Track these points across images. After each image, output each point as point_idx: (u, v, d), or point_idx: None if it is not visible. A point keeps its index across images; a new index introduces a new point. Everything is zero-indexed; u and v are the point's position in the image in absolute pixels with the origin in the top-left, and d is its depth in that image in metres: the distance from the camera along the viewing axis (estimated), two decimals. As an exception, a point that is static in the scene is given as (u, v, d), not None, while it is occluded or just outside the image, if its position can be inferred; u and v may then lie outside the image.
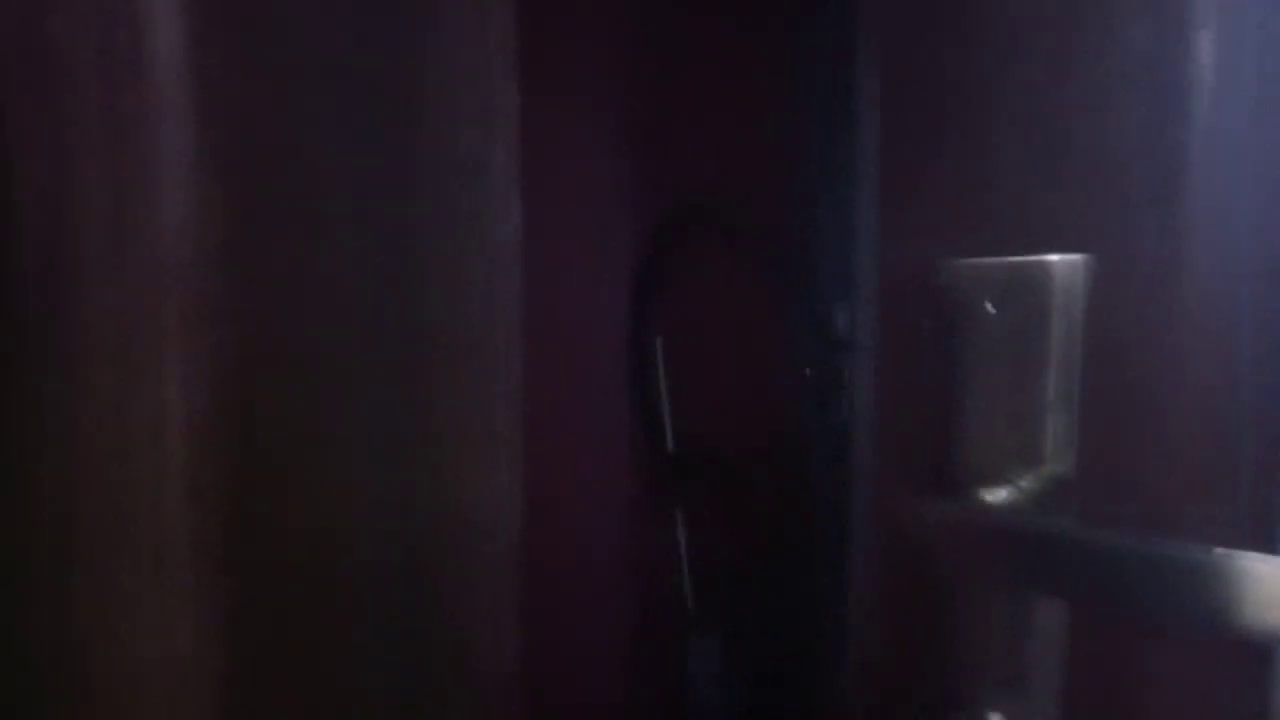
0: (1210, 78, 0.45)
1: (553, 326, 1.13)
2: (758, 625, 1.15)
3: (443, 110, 0.52)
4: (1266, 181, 0.47)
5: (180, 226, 0.44)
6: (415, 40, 0.52)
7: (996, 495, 0.45)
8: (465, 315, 0.53)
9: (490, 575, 0.52)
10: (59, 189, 0.43)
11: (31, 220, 0.43)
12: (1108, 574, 0.43)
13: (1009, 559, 0.45)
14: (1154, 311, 0.45)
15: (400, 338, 0.53)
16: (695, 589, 1.16)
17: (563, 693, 1.19)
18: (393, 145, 0.51)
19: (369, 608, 0.51)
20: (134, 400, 0.44)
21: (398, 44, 0.52)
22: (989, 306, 0.47)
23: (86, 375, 0.44)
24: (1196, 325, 0.46)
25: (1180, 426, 0.47)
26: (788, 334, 1.12)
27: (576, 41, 1.10)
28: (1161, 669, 0.46)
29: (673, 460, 1.19)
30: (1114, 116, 0.47)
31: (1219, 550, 0.41)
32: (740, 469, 1.17)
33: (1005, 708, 0.48)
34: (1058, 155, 0.48)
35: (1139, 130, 0.46)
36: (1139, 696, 0.47)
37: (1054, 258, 0.46)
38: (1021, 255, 0.47)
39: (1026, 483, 0.46)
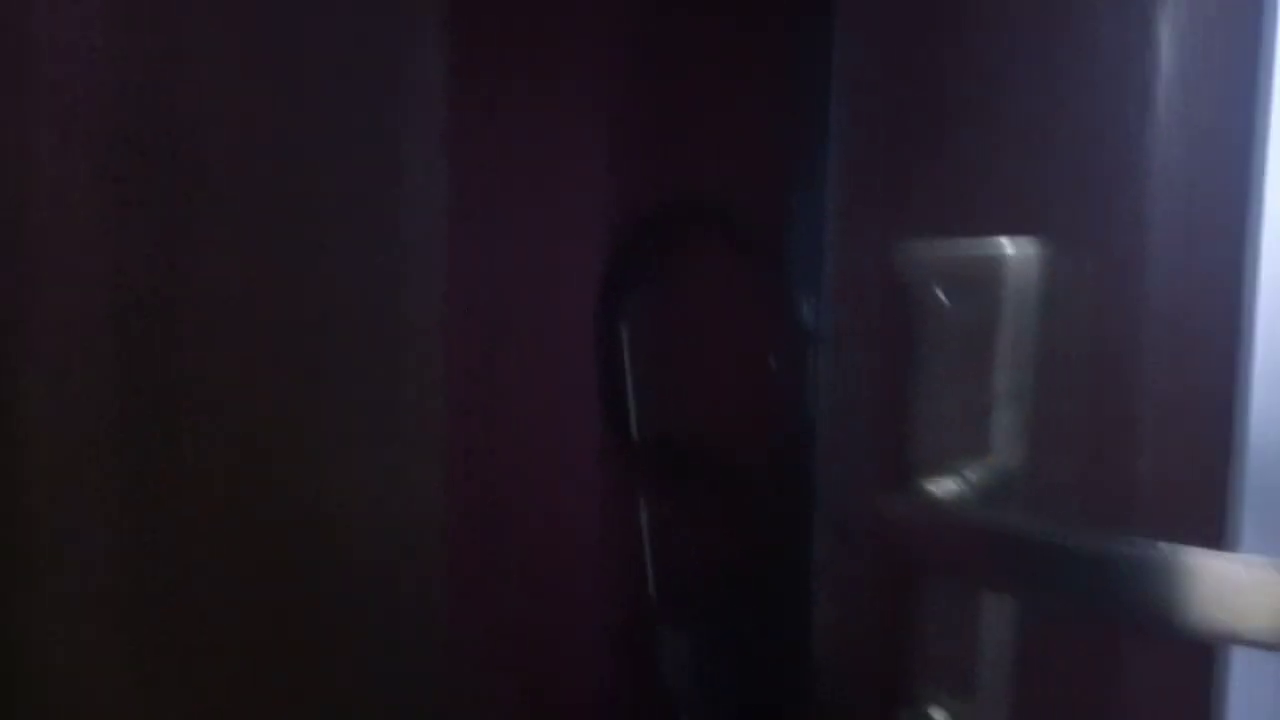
0: (1174, 63, 0.45)
1: (516, 314, 1.12)
2: (725, 617, 1.15)
3: (360, 102, 0.51)
4: (1230, 169, 0.46)
5: (86, 222, 0.43)
6: (329, 24, 0.50)
7: (943, 487, 0.44)
8: (379, 310, 0.52)
9: (411, 568, 0.51)
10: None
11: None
12: (1055, 569, 0.42)
13: (956, 553, 0.44)
14: (1115, 302, 0.44)
15: (309, 331, 0.51)
16: (660, 580, 1.15)
17: (530, 677, 1.18)
18: (302, 134, 0.50)
19: (281, 599, 0.50)
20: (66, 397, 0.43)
21: (312, 30, 0.50)
22: (940, 295, 0.46)
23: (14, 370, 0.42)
24: (1159, 317, 0.45)
25: (1140, 417, 0.46)
26: (758, 325, 1.12)
27: (554, 35, 1.09)
28: (1112, 666, 0.46)
29: (637, 450, 1.18)
30: (1076, 103, 0.46)
31: (1168, 546, 0.40)
32: (707, 459, 1.16)
33: (950, 705, 0.47)
34: (1019, 141, 0.47)
35: (1101, 116, 0.45)
36: (1088, 693, 0.46)
37: (1007, 245, 0.45)
38: (976, 243, 0.46)
39: (973, 475, 0.45)
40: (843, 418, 0.54)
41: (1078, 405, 0.45)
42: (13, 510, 0.42)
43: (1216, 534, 0.45)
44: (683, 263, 1.15)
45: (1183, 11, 0.44)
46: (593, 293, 1.13)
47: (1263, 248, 0.43)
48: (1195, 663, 0.45)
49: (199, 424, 0.47)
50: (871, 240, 0.52)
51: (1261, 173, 0.43)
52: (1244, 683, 0.44)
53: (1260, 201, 0.43)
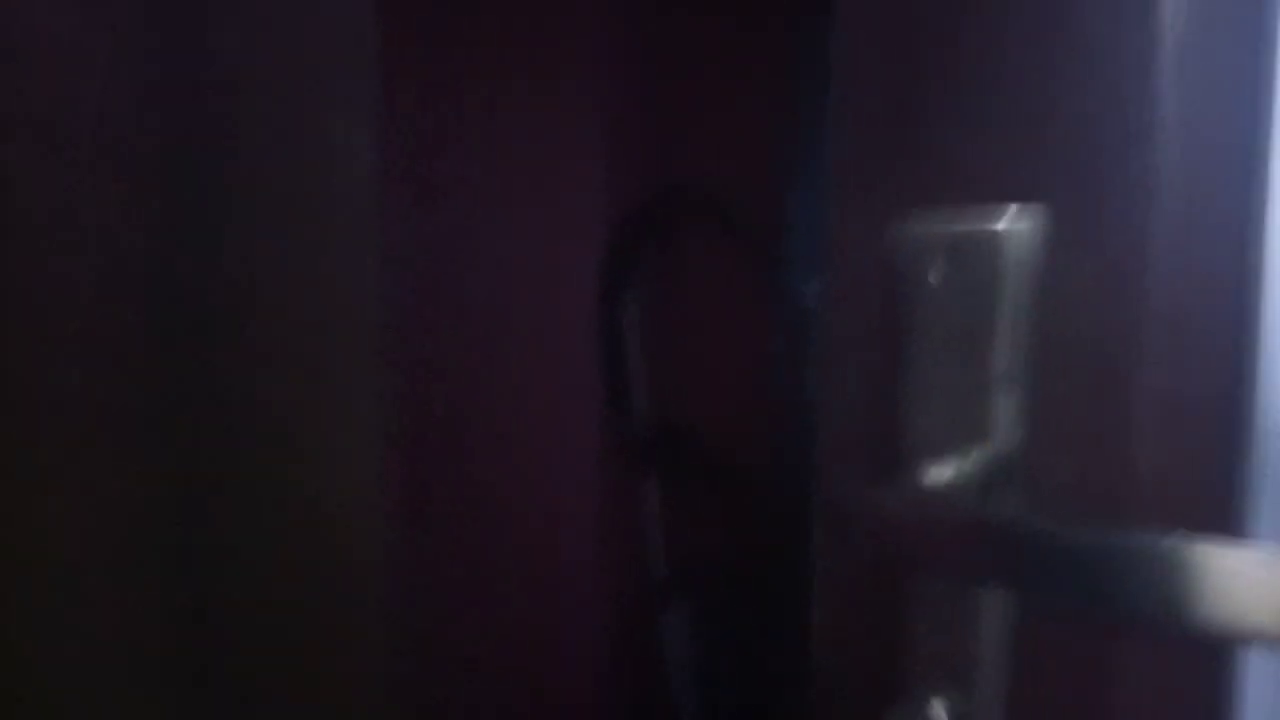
0: (1178, 35, 0.42)
1: (520, 302, 1.11)
2: (728, 607, 1.14)
3: (291, 98, 0.49)
4: (1238, 142, 0.44)
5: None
6: (265, 20, 0.49)
7: (939, 475, 0.42)
8: (313, 309, 0.50)
9: (349, 569, 0.50)
10: None
11: None
12: (1057, 563, 0.40)
13: (953, 545, 0.42)
14: (1117, 279, 0.42)
15: (240, 329, 0.50)
16: (664, 571, 1.14)
17: (532, 668, 1.18)
18: (231, 131, 0.48)
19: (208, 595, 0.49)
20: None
21: (246, 30, 0.48)
22: (932, 275, 0.44)
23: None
24: (1164, 293, 0.43)
25: (1141, 405, 0.44)
26: (757, 315, 1.10)
27: (554, 27, 1.08)
28: (1114, 662, 0.44)
29: (644, 436, 1.17)
30: (1075, 74, 0.43)
31: (1177, 539, 0.38)
32: (714, 446, 1.15)
33: (949, 700, 0.46)
34: (1016, 114, 0.45)
35: (1102, 86, 0.43)
36: (1089, 691, 0.44)
37: (1001, 222, 0.43)
38: (971, 220, 0.44)
39: (970, 464, 0.43)
40: (837, 407, 0.52)
41: (1078, 389, 0.43)
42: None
43: (1225, 525, 0.42)
44: (682, 253, 1.14)
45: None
46: (593, 287, 1.12)
47: (1275, 220, 0.41)
48: (1201, 660, 0.43)
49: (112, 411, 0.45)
50: (865, 221, 0.50)
51: (1272, 140, 0.41)
52: (1256, 683, 0.42)
53: (1273, 169, 0.41)
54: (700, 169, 1.08)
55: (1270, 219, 0.42)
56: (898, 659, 0.49)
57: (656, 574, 1.16)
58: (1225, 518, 0.42)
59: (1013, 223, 0.43)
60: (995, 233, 0.43)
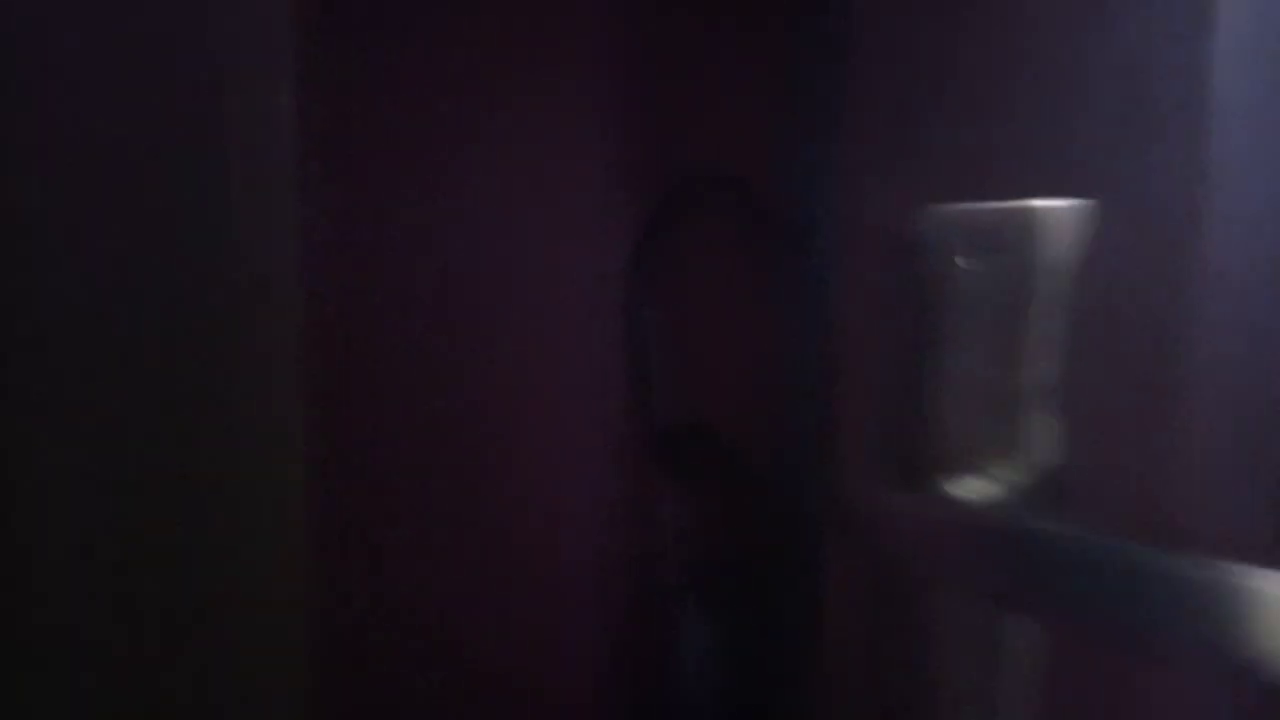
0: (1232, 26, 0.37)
1: (537, 298, 1.08)
2: (747, 605, 1.10)
3: (212, 84, 0.46)
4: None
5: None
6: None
7: (966, 487, 0.38)
8: (231, 310, 0.48)
9: (268, 581, 0.47)
10: None
11: None
12: (1094, 586, 0.36)
13: (977, 561, 0.38)
14: (1169, 269, 0.37)
15: (157, 330, 0.47)
16: (681, 567, 1.11)
17: (546, 670, 1.15)
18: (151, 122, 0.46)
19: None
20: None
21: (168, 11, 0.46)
22: (961, 261, 0.40)
23: None
24: (1222, 286, 0.38)
25: (1194, 410, 0.39)
26: (780, 308, 1.06)
27: (556, 26, 1.05)
28: (1150, 696, 0.39)
29: (663, 436, 1.14)
30: (1120, 41, 0.39)
31: (1231, 565, 0.33)
32: (731, 445, 1.11)
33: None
34: (1058, 90, 0.40)
35: (1149, 52, 0.38)
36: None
37: (1040, 203, 0.38)
38: (1002, 203, 0.39)
39: (1002, 474, 0.38)
40: (852, 408, 0.47)
41: (1122, 392, 0.38)
42: None
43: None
44: (701, 247, 1.11)
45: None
46: (601, 283, 1.09)
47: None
48: (1255, 699, 0.38)
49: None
50: (886, 207, 0.45)
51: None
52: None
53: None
54: (722, 156, 1.04)
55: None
56: (910, 678, 0.45)
57: (669, 575, 1.13)
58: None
59: (1051, 203, 0.38)
60: (1031, 212, 0.38)
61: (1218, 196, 0.37)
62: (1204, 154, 0.36)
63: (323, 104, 0.89)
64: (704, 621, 1.07)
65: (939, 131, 0.43)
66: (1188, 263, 0.37)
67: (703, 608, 1.08)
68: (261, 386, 0.47)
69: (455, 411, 1.04)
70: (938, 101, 0.44)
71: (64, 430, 0.45)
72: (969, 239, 0.39)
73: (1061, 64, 0.39)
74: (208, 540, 0.46)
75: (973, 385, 0.40)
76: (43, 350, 0.44)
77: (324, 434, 0.91)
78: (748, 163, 1.03)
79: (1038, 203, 0.38)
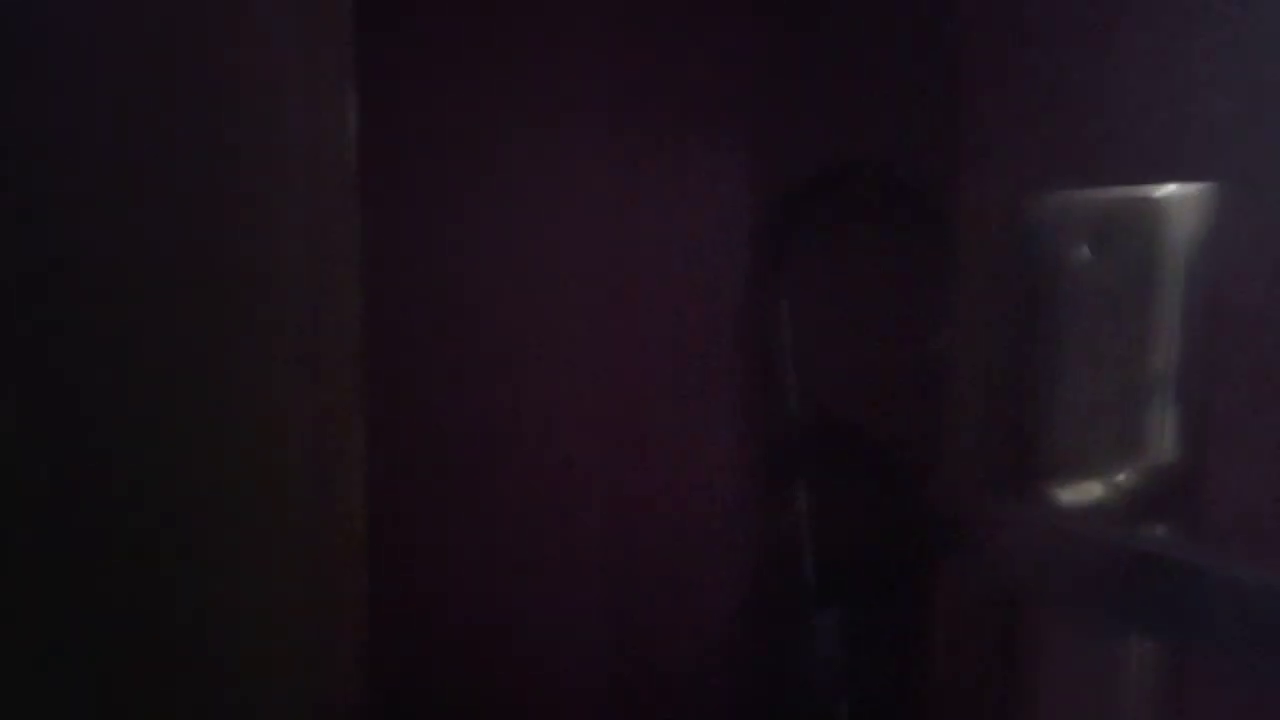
0: None
1: (665, 294, 1.08)
2: (875, 604, 1.07)
3: (265, 102, 0.47)
4: None
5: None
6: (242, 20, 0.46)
7: (1083, 494, 0.35)
8: (294, 330, 0.48)
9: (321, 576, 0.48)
10: None
11: None
12: (1222, 606, 0.33)
13: (1092, 577, 0.35)
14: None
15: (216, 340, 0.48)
16: (818, 564, 1.09)
17: (676, 665, 1.16)
18: (207, 132, 0.46)
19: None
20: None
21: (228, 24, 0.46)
22: (1083, 252, 0.37)
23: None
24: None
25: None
26: (921, 297, 1.02)
27: (691, 31, 1.04)
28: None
29: (796, 430, 1.12)
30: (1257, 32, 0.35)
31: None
32: (868, 442, 1.08)
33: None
34: (1175, 76, 0.37)
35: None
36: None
37: (1167, 189, 0.35)
38: (1128, 189, 0.36)
39: (1124, 480, 0.35)
40: (964, 406, 0.45)
41: (1258, 394, 0.34)
42: None
43: None
44: (847, 237, 1.08)
45: None
46: (733, 286, 1.08)
47: None
48: None
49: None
50: (1008, 194, 0.43)
51: None
52: None
53: None
54: (861, 146, 1.01)
55: None
56: (1014, 695, 0.42)
57: (799, 573, 1.11)
58: None
59: (1178, 190, 0.35)
60: (1157, 200, 0.35)
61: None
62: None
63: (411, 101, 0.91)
64: (833, 619, 1.05)
65: (1057, 116, 0.41)
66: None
67: (832, 605, 1.06)
68: (329, 389, 0.47)
69: (584, 410, 1.05)
70: (1054, 85, 0.41)
71: (129, 434, 0.46)
72: (1087, 228, 0.37)
73: (1182, 46, 0.36)
74: (263, 545, 0.47)
75: (1089, 383, 0.37)
76: (107, 353, 0.46)
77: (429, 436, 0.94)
78: (889, 149, 1.00)
79: (1160, 189, 0.35)
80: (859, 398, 1.10)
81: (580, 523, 1.10)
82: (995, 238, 0.40)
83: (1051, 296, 0.38)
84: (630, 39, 0.99)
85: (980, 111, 0.44)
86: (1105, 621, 0.36)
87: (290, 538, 0.49)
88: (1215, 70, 0.36)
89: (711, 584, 1.16)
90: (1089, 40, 0.41)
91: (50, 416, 0.45)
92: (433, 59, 0.97)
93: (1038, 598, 0.38)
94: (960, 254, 0.44)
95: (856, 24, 0.99)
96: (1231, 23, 0.36)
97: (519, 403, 1.07)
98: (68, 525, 0.46)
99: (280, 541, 0.49)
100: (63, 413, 0.46)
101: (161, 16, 0.46)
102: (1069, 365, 0.39)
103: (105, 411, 0.47)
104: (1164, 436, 0.35)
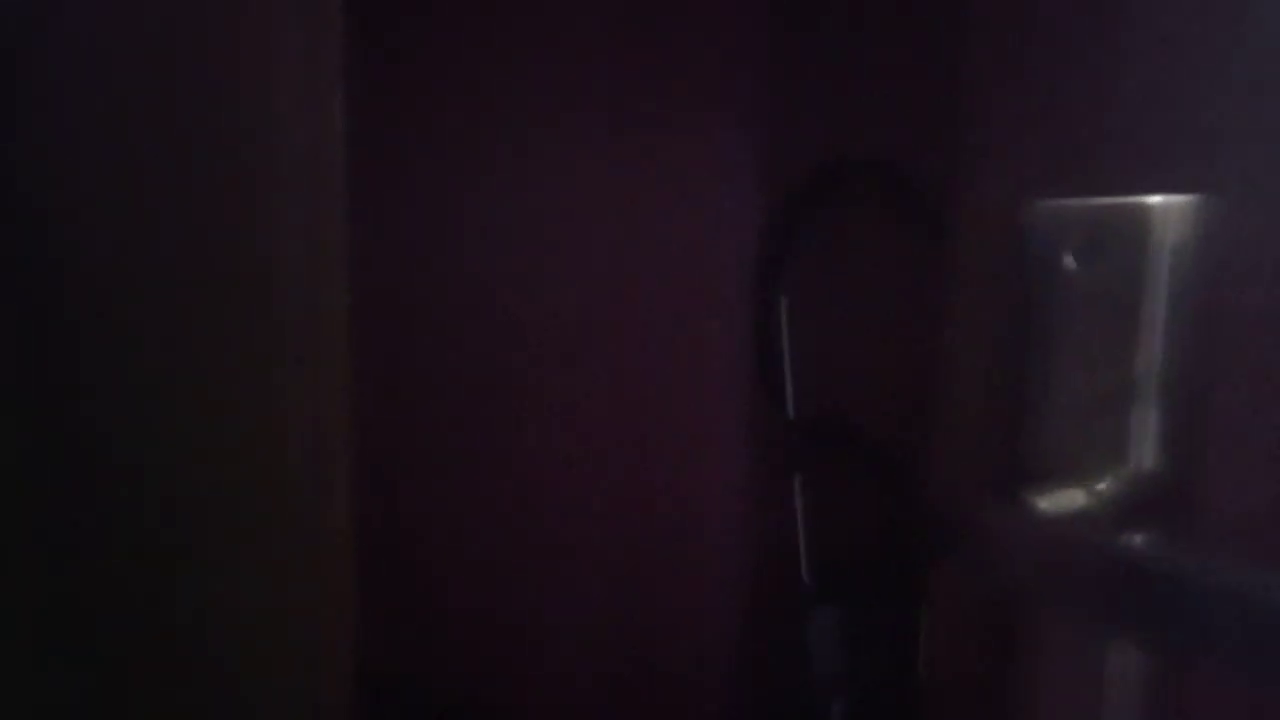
0: None
1: (663, 293, 1.08)
2: (880, 602, 1.08)
3: (259, 98, 0.47)
4: None
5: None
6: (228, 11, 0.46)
7: (1066, 500, 0.35)
8: (283, 323, 0.48)
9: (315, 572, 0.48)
10: None
11: None
12: (1208, 612, 0.33)
13: (1080, 581, 0.36)
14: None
15: (211, 338, 0.48)
16: (813, 560, 1.09)
17: (678, 660, 1.16)
18: (202, 130, 0.46)
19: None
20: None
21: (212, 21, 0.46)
22: (1069, 260, 0.37)
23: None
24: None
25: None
26: (930, 296, 1.02)
27: (694, 24, 1.04)
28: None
29: (794, 427, 1.12)
30: (1244, 40, 0.35)
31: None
32: (869, 439, 1.08)
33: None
34: (1176, 80, 0.37)
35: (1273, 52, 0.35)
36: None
37: (1153, 199, 0.35)
38: (1116, 196, 0.36)
39: (1106, 486, 0.36)
40: (956, 407, 0.45)
41: (1243, 398, 0.34)
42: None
43: None
44: (845, 233, 1.07)
45: None
46: (738, 283, 1.08)
47: None
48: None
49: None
50: (995, 201, 0.43)
51: None
52: None
53: None
54: (861, 141, 1.01)
55: None
56: (1012, 698, 0.43)
57: (800, 568, 1.11)
58: None
59: (1165, 198, 0.35)
60: (1145, 208, 0.35)
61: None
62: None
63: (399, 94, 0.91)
64: (833, 619, 1.05)
65: (1058, 117, 0.41)
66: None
67: (832, 605, 1.06)
68: (313, 389, 0.48)
69: (583, 410, 1.05)
70: (1056, 86, 0.41)
71: (120, 429, 0.46)
72: (1077, 236, 0.37)
73: (1180, 51, 0.36)
74: (248, 545, 0.47)
75: (1076, 391, 0.38)
76: (102, 351, 0.46)
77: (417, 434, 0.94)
78: (893, 148, 0.99)
79: (1151, 198, 0.35)
80: (859, 398, 1.10)
81: (579, 522, 1.10)
82: (996, 239, 0.40)
83: (1039, 304, 0.38)
84: (630, 39, 1.00)
85: (981, 112, 0.44)
86: (1105, 623, 0.36)
87: (288, 537, 0.49)
88: (1217, 72, 0.36)
89: (711, 584, 1.16)
90: (1092, 41, 0.41)
91: (44, 415, 0.46)
92: (432, 58, 0.97)
93: (1037, 598, 0.38)
94: (960, 255, 0.44)
95: (857, 24, 0.99)
96: (1235, 25, 0.36)
97: (518, 402, 1.07)
98: (63, 524, 0.46)
99: (279, 541, 0.49)
100: (57, 411, 0.46)
101: (160, 16, 0.46)
102: (1065, 368, 0.39)
103: (100, 411, 0.47)
104: (1145, 442, 0.35)
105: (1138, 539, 0.36)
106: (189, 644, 0.47)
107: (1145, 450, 0.36)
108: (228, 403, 0.47)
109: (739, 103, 1.07)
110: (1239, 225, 0.34)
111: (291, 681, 0.50)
